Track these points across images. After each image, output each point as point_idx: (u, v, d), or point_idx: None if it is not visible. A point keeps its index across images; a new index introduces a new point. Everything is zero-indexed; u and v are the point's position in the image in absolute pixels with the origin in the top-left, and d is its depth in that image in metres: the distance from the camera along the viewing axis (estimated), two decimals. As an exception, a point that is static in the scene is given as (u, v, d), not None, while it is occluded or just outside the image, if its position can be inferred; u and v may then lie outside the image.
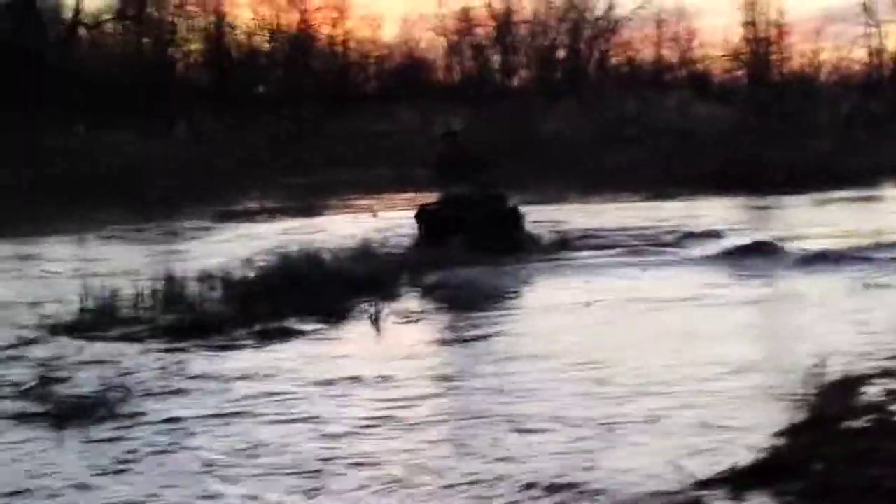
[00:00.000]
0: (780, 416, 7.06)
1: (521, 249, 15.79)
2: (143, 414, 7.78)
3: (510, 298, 12.59)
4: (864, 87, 51.93)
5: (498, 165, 18.33)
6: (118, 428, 7.45)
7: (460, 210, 15.94)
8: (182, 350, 9.97)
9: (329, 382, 8.66)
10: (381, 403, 7.95)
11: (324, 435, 7.16)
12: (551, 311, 11.54)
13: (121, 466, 6.63)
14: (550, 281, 13.58)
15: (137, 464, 6.66)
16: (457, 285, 13.07)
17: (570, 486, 6.05)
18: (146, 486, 6.27)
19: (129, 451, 6.90)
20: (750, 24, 51.63)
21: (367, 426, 7.39)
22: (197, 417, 7.67)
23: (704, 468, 6.18)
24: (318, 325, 11.05)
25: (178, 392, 8.42)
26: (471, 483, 6.15)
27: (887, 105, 45.41)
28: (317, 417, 7.63)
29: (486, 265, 14.28)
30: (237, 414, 7.77)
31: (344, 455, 6.71)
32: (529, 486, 6.08)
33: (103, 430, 7.41)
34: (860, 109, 43.41)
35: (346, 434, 7.20)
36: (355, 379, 8.72)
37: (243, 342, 10.34)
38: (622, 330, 10.31)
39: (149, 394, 8.36)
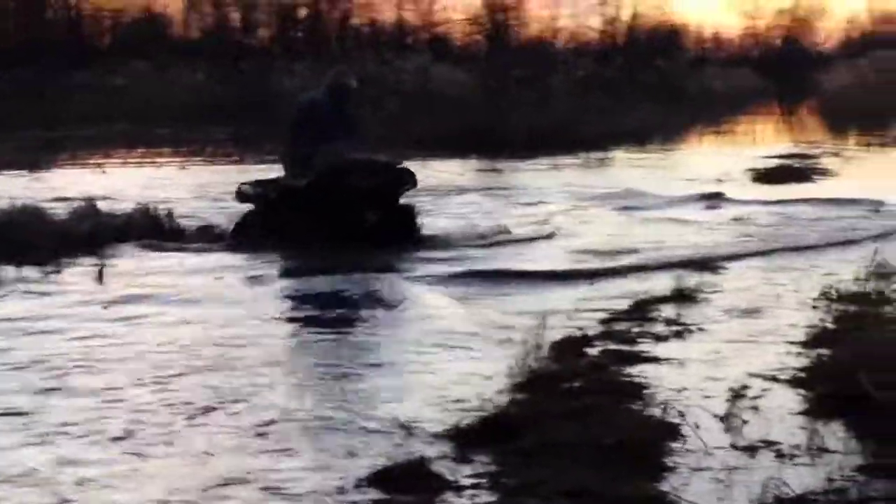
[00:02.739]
0: (502, 378, 7.12)
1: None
2: None
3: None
4: (599, 53, 53.27)
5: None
6: None
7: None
8: None
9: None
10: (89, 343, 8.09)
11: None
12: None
13: None
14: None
15: None
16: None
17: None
18: None
19: None
20: (490, -11, 52.36)
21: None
22: None
23: (427, 429, 6.21)
24: (35, 278, 10.83)
25: None
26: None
27: (620, 71, 46.64)
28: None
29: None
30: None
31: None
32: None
33: None
34: (595, 75, 44.42)
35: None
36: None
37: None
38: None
39: None
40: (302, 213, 12.35)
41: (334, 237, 12.10)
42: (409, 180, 12.87)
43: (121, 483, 5.55)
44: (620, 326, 8.63)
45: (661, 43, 55.23)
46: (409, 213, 13.04)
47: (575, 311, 9.22)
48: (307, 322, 9.11)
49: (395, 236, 12.53)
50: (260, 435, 6.20)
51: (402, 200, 13.03)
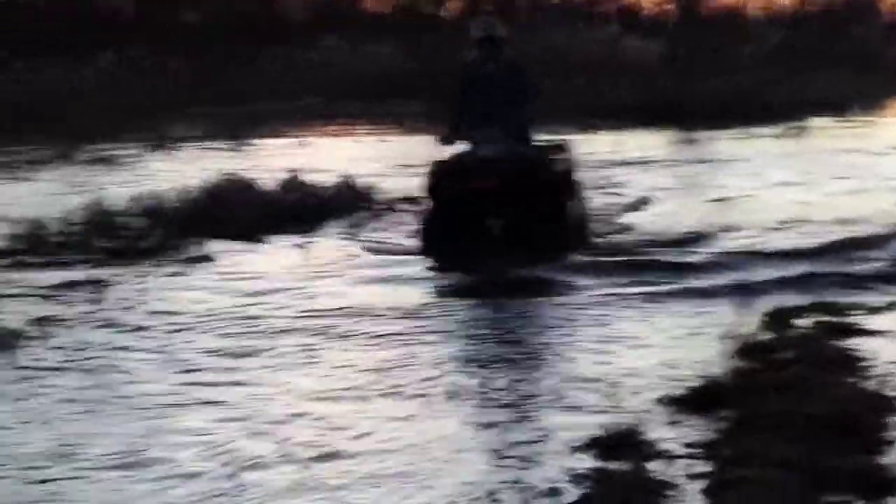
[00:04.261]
0: (715, 349, 7.10)
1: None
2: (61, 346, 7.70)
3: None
4: (792, 21, 52.27)
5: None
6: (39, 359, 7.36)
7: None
8: (110, 277, 9.83)
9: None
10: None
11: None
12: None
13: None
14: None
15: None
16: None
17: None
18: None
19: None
20: (680, -42, 51.72)
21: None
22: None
23: (641, 396, 6.28)
24: (244, 250, 11.11)
25: (103, 321, 8.34)
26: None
27: (814, 39, 45.70)
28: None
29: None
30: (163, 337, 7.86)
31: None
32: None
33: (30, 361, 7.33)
34: (787, 44, 43.59)
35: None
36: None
37: (170, 267, 10.32)
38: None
39: (75, 321, 8.27)
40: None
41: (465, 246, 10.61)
42: (544, 173, 10.84)
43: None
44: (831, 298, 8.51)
45: (857, 9, 53.89)
46: (555, 211, 10.75)
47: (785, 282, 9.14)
48: (503, 307, 9.11)
49: (538, 240, 10.53)
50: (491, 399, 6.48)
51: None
